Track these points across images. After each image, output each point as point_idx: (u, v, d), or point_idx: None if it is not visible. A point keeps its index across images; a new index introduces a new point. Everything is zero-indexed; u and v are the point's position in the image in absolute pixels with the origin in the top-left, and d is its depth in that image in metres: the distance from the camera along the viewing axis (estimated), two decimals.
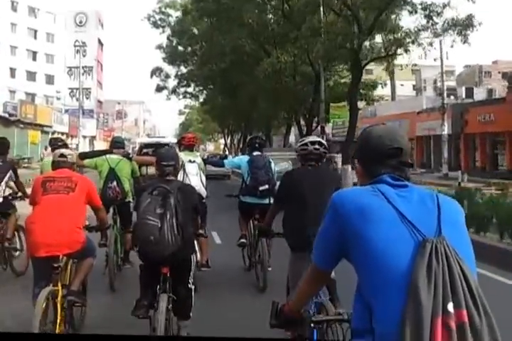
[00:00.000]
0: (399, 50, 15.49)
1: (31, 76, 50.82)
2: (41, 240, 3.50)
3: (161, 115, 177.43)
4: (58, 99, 53.11)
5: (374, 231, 1.43)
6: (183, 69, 33.35)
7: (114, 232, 5.50)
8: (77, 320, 3.88)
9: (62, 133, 48.53)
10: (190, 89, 35.26)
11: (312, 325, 1.97)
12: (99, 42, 60.00)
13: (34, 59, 51.64)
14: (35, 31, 51.10)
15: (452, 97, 30.15)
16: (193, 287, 3.59)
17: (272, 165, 6.01)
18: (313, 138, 3.86)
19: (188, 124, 75.27)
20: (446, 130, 26.20)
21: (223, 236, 7.48)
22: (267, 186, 5.71)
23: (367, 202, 1.48)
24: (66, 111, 50.71)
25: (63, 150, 4.15)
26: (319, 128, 18.92)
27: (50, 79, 53.12)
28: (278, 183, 4.09)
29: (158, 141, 17.23)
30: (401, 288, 1.33)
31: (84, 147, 48.56)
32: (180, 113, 74.64)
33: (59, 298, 3.48)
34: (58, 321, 3.41)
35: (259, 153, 6.05)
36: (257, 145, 6.14)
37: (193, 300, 3.57)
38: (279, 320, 1.84)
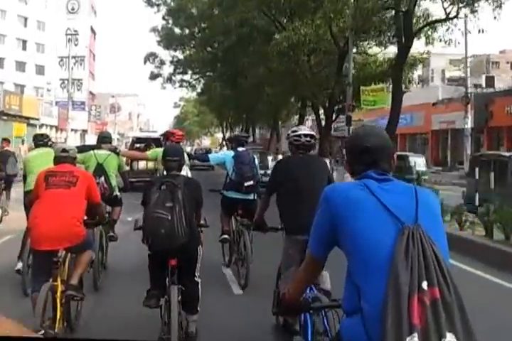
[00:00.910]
0: (464, 11, 12.62)
1: (20, 66, 48.71)
2: (44, 234, 3.53)
3: (156, 108, 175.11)
4: (49, 90, 51.06)
5: (360, 220, 1.64)
6: (179, 55, 31.34)
7: (100, 229, 5.38)
8: (73, 315, 3.91)
9: (51, 127, 46.56)
10: (186, 77, 33.22)
11: (311, 311, 2.14)
12: (92, 30, 57.75)
13: (24, 48, 49.49)
14: (26, 19, 48.96)
15: (461, 87, 28.05)
16: (199, 280, 3.70)
17: (256, 161, 6.10)
18: (305, 130, 4.14)
19: (183, 117, 73.36)
20: (469, 123, 24.01)
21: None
22: (252, 182, 5.72)
23: (354, 195, 1.69)
24: (57, 103, 48.51)
25: (65, 145, 4.32)
26: (345, 118, 16.48)
27: (40, 70, 51.05)
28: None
29: (150, 135, 17.64)
30: (383, 270, 1.53)
31: (75, 141, 46.57)
32: (176, 105, 72.67)
33: (58, 294, 3.51)
34: (58, 317, 3.42)
35: (244, 148, 6.06)
36: (241, 141, 6.20)
37: (200, 294, 3.67)
38: (280, 308, 2.08)
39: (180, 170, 3.85)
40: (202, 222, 4.03)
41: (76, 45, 52.12)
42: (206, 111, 47.61)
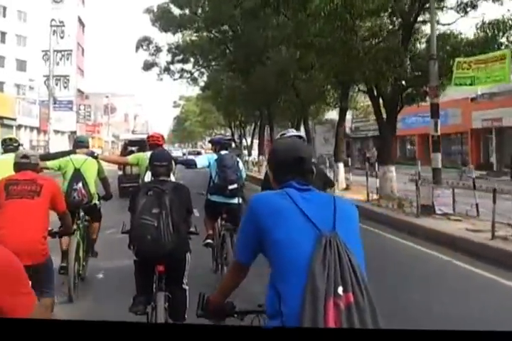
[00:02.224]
0: None
1: None
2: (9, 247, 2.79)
3: (154, 109, 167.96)
4: (32, 88, 45.25)
5: (281, 228, 1.71)
6: (179, 39, 25.56)
7: (77, 238, 5.17)
8: None
9: (32, 128, 40.69)
10: (187, 67, 27.33)
11: (235, 315, 2.08)
12: (80, 21, 51.86)
13: (3, 41, 43.74)
14: (4, 8, 43.28)
15: None
16: (187, 287, 3.66)
17: (240, 164, 5.95)
18: (293, 132, 4.25)
19: (183, 118, 67.55)
20: None
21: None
22: (236, 185, 5.63)
23: (276, 204, 1.77)
24: (42, 102, 42.57)
25: (26, 151, 4.09)
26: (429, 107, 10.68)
27: (21, 65, 45.31)
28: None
29: (143, 137, 15.82)
30: (302, 275, 1.59)
31: (63, 144, 40.82)
32: (175, 105, 67.16)
33: None
34: None
35: (227, 152, 5.98)
36: (225, 144, 6.14)
37: (187, 301, 3.57)
38: (205, 311, 2.03)
39: (169, 176, 3.78)
40: (192, 229, 3.87)
41: (62, 37, 46.52)
42: (211, 109, 41.60)
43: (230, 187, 5.60)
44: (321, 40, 12.76)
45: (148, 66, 26.62)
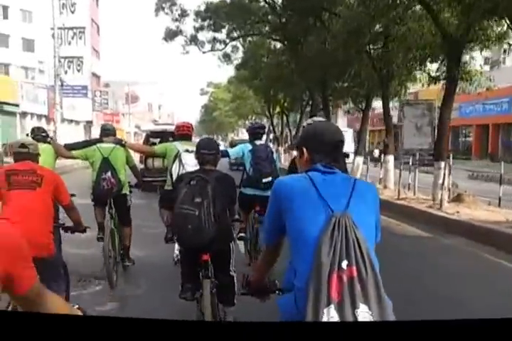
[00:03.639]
0: None
1: (2, 40, 37.36)
2: None
3: (179, 97, 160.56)
4: (41, 71, 39.57)
5: (299, 210, 1.82)
6: None
7: (110, 226, 5.20)
8: None
9: (39, 116, 34.87)
10: (220, 36, 20.72)
11: (277, 292, 2.15)
12: None
13: (5, 16, 38.05)
14: None
15: None
16: (235, 274, 3.65)
17: (275, 155, 5.84)
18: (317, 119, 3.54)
19: (212, 107, 61.15)
20: None
21: None
22: (270, 178, 5.43)
23: (296, 186, 1.86)
24: (52, 86, 36.66)
25: (24, 140, 3.90)
26: None
27: (28, 45, 39.54)
28: None
29: (166, 128, 14.40)
30: (311, 252, 1.72)
31: (77, 136, 34.95)
32: (203, 92, 60.88)
33: None
34: None
35: (262, 142, 5.84)
36: (258, 133, 5.86)
37: (236, 287, 3.56)
38: (247, 289, 2.21)
39: (215, 165, 3.70)
40: (237, 216, 3.99)
41: (73, 12, 40.67)
42: (246, 95, 34.89)
43: (264, 180, 5.45)
44: None
45: (170, 35, 20.11)
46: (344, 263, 1.67)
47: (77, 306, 1.69)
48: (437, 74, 12.45)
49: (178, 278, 3.71)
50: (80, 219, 3.89)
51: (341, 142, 1.98)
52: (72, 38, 41.47)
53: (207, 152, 3.63)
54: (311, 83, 17.80)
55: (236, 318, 3.58)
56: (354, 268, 1.67)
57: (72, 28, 40.63)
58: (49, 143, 5.44)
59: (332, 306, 1.64)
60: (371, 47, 13.53)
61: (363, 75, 14.89)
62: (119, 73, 75.37)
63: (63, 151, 5.50)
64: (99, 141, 5.57)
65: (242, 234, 5.53)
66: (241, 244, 5.92)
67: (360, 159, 15.49)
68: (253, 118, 43.63)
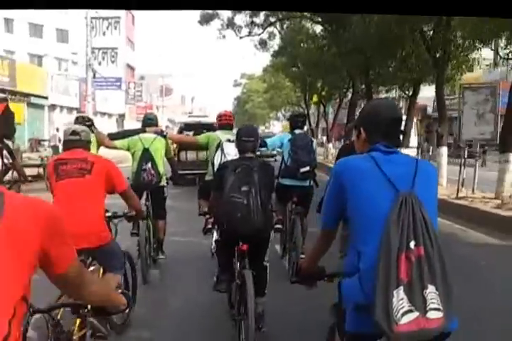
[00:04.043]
0: None
1: (36, 31, 37.26)
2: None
3: (213, 89, 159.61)
4: (75, 63, 39.35)
5: (363, 190, 1.80)
6: None
7: (146, 221, 5.12)
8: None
9: (70, 109, 34.59)
10: (258, 20, 19.62)
11: (325, 279, 2.16)
12: None
13: None
14: None
15: None
16: (268, 264, 3.68)
17: (314, 144, 5.72)
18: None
19: (244, 99, 60.07)
20: None
21: None
22: (308, 168, 5.41)
23: (360, 167, 1.84)
24: (85, 78, 36.38)
25: (75, 127, 3.69)
26: None
27: (63, 36, 39.39)
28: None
29: (200, 120, 15.05)
30: (379, 233, 1.69)
31: (109, 130, 34.56)
32: (236, 84, 59.98)
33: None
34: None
35: (301, 131, 5.71)
36: (298, 122, 5.71)
37: (268, 277, 3.67)
38: (298, 277, 2.21)
39: (255, 152, 3.69)
40: (274, 208, 3.95)
41: None
42: (281, 85, 33.58)
43: (302, 169, 5.37)
44: None
45: (206, 18, 19.13)
46: (412, 243, 1.66)
47: (120, 290, 1.70)
48: (506, 51, 10.88)
49: (210, 271, 3.71)
50: (139, 206, 3.81)
51: (398, 119, 1.97)
52: (107, 28, 41.15)
53: (246, 139, 3.60)
54: (354, 68, 16.45)
55: (264, 310, 3.57)
56: (422, 248, 1.65)
57: (107, 18, 40.35)
58: (93, 132, 5.20)
59: (401, 287, 1.62)
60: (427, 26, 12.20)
61: (413, 58, 13.54)
62: (154, 66, 74.99)
63: (106, 141, 5.45)
64: (142, 131, 5.53)
65: (278, 226, 5.56)
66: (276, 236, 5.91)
67: (406, 152, 14.00)
68: (287, 109, 42.31)
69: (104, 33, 41.04)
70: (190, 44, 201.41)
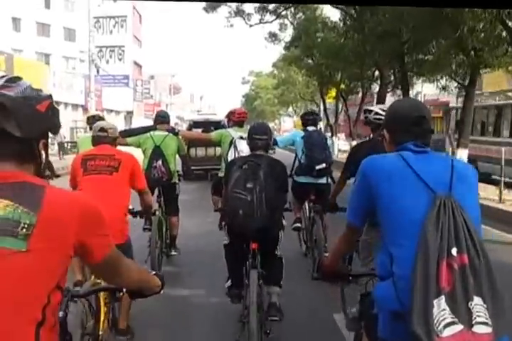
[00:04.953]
0: None
1: (44, 29, 36.80)
2: None
3: (221, 86, 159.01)
4: (82, 61, 38.83)
5: (395, 190, 1.70)
6: None
7: (159, 216, 5.12)
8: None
9: (74, 106, 34.03)
10: (270, 6, 18.71)
11: (349, 278, 2.14)
12: None
13: (47, 6, 37.44)
14: None
15: None
16: (282, 256, 3.61)
17: (329, 141, 5.74)
18: (385, 106, 3.81)
19: (252, 96, 59.36)
20: None
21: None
22: (324, 165, 5.32)
23: (390, 166, 1.75)
24: (95, 76, 35.76)
25: (104, 123, 3.78)
26: None
27: (70, 35, 38.87)
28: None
29: (209, 118, 15.49)
30: (414, 236, 1.57)
31: (118, 126, 33.96)
32: (244, 81, 59.38)
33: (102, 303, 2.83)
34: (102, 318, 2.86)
35: (314, 128, 5.64)
36: (311, 120, 5.65)
37: (283, 268, 3.60)
38: (319, 274, 2.22)
39: (267, 150, 3.65)
40: (287, 205, 3.82)
41: (114, 0, 39.74)
42: (292, 80, 32.78)
43: (318, 167, 5.29)
44: None
45: (213, 4, 18.25)
46: (454, 250, 1.53)
47: (154, 272, 1.73)
48: None
49: (223, 267, 3.70)
50: (151, 203, 3.92)
51: (422, 117, 1.84)
52: (114, 26, 40.67)
53: (258, 137, 3.55)
54: (386, 55, 14.65)
55: (279, 303, 3.50)
56: (465, 255, 1.53)
57: (113, 17, 39.82)
58: None
59: (442, 297, 1.49)
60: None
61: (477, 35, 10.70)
62: (163, 65, 74.60)
63: (118, 138, 5.41)
64: (154, 128, 5.55)
65: (297, 225, 5.46)
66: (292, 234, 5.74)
67: (464, 152, 11.59)
68: (298, 105, 41.42)
69: (111, 32, 40.57)
70: (198, 42, 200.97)
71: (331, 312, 3.97)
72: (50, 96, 1.31)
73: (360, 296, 2.58)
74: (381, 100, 16.61)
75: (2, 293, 1.12)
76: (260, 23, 19.24)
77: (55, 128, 1.37)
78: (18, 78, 1.27)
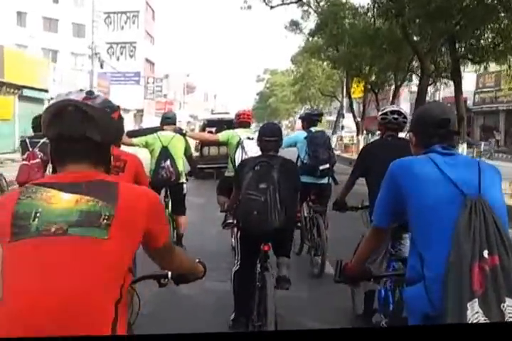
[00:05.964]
0: None
1: (51, 25, 35.54)
2: None
3: (236, 85, 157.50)
4: (91, 57, 37.38)
5: (425, 192, 1.70)
6: None
7: (166, 216, 5.11)
8: None
9: None
10: None
11: (372, 280, 2.12)
12: None
13: (55, 1, 36.15)
14: None
15: None
16: (293, 228, 3.62)
17: (332, 141, 5.82)
18: (393, 107, 3.83)
19: (267, 94, 57.60)
20: None
21: None
22: (327, 165, 5.39)
23: (419, 169, 1.75)
24: (105, 74, 34.24)
25: None
26: None
27: (79, 30, 37.48)
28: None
29: (222, 117, 15.09)
30: (446, 239, 1.59)
31: (128, 124, 32.37)
32: (259, 79, 57.79)
33: None
34: None
35: (317, 128, 5.70)
36: (314, 120, 5.70)
37: (293, 240, 3.66)
38: (342, 277, 2.10)
39: (277, 151, 3.65)
40: (299, 208, 3.84)
41: None
42: (313, 74, 30.85)
43: (321, 167, 5.35)
44: None
45: None
46: (485, 252, 1.55)
47: (197, 260, 1.94)
48: None
49: (230, 265, 3.77)
50: None
51: (446, 120, 1.87)
52: (125, 22, 39.16)
53: (268, 138, 3.55)
54: (435, 39, 12.68)
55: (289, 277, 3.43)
56: (496, 257, 1.55)
57: (125, 12, 38.29)
58: None
59: (476, 300, 1.51)
60: None
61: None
62: (177, 63, 73.10)
63: (124, 138, 5.28)
64: (160, 129, 5.63)
65: (298, 224, 5.60)
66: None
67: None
68: (317, 101, 39.38)
69: (122, 28, 39.08)
70: (212, 40, 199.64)
71: (331, 312, 4.05)
72: (119, 107, 1.56)
73: (364, 294, 2.91)
74: (422, 94, 14.38)
75: (94, 276, 1.29)
76: (283, 3, 17.32)
77: (123, 134, 1.63)
78: (93, 91, 1.50)
